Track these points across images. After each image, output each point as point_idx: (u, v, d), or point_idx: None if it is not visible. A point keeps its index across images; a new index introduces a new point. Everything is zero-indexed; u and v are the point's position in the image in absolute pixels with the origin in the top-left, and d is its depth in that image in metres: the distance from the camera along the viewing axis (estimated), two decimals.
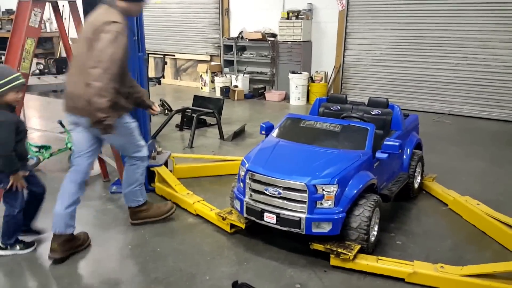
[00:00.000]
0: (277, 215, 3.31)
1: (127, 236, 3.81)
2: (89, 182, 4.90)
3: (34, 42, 3.69)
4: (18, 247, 3.50)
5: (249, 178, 3.46)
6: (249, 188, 3.47)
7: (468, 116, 8.40)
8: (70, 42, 5.54)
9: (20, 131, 3.25)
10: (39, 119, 7.99)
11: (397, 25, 8.88)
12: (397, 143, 3.59)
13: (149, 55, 10.07)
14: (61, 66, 6.93)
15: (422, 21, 8.60)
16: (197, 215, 4.12)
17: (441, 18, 8.38)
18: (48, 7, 4.09)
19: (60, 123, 5.66)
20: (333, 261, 3.30)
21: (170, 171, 4.86)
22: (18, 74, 3.22)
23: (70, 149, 5.45)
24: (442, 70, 8.59)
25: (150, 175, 4.70)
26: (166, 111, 8.24)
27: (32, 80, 4.40)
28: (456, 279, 3.01)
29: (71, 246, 3.47)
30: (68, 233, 3.44)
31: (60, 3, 4.16)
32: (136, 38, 4.34)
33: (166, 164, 4.87)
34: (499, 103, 8.16)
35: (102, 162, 4.94)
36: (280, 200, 3.32)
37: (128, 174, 3.80)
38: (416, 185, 4.59)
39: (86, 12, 4.10)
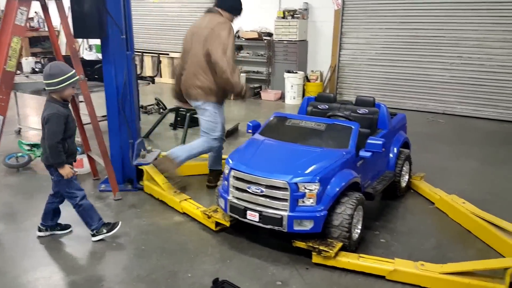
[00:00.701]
0: (260, 213, 3.33)
1: (113, 235, 3.81)
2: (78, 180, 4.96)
3: (20, 41, 3.71)
4: (105, 230, 3.68)
5: (233, 176, 3.48)
6: (233, 186, 3.49)
7: (463, 116, 8.40)
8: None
9: (70, 126, 3.46)
10: (33, 117, 8.03)
11: (392, 25, 8.89)
12: (380, 142, 3.59)
13: (146, 54, 10.13)
14: None
15: (417, 21, 8.61)
16: (184, 213, 4.15)
17: (436, 18, 8.39)
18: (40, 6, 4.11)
19: None
20: (315, 259, 3.31)
21: None
22: (74, 71, 3.46)
23: None
24: (437, 69, 8.59)
25: (139, 174, 4.72)
26: (161, 110, 8.28)
27: (19, 79, 4.43)
28: (436, 277, 3.02)
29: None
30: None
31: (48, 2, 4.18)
32: (124, 36, 4.36)
33: None
34: (493, 103, 8.16)
35: (92, 160, 4.96)
36: (262, 198, 3.34)
37: (197, 143, 4.63)
38: (404, 184, 4.60)
39: (73, 11, 4.13)
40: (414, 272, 3.08)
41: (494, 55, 7.99)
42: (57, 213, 3.79)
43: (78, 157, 5.11)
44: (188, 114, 6.68)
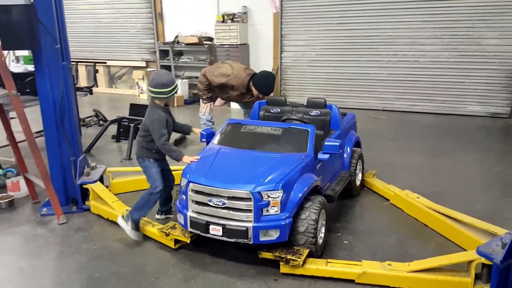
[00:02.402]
0: (223, 226, 3.17)
1: (61, 263, 3.49)
2: (16, 205, 4.52)
3: None
4: (131, 225, 3.75)
5: (191, 189, 3.29)
6: (192, 200, 3.30)
7: (401, 111, 8.73)
8: None
9: (169, 125, 3.81)
10: None
11: (329, 26, 9.07)
12: (337, 143, 3.58)
13: (80, 63, 9.56)
14: None
15: (353, 21, 8.85)
16: None
17: (371, 18, 8.66)
18: None
19: None
20: (283, 269, 3.21)
21: (107, 187, 4.56)
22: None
23: None
24: (375, 68, 8.88)
25: (84, 193, 4.38)
26: (101, 122, 7.84)
27: None
28: (404, 276, 3.03)
29: None
30: None
31: None
32: (58, 46, 4.02)
33: (101, 179, 4.56)
34: (429, 97, 8.56)
35: (29, 182, 4.53)
36: (225, 211, 3.18)
37: None
38: (358, 183, 4.64)
39: (0, 21, 3.72)
40: (382, 273, 3.07)
41: (426, 52, 8.38)
42: (169, 199, 4.10)
43: (14, 179, 4.70)
44: (132, 125, 6.35)
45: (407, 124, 7.87)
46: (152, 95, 3.72)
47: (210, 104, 5.78)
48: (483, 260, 2.84)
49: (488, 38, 7.85)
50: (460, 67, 8.17)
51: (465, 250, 3.40)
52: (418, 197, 4.20)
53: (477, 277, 2.93)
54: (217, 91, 5.65)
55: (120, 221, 3.76)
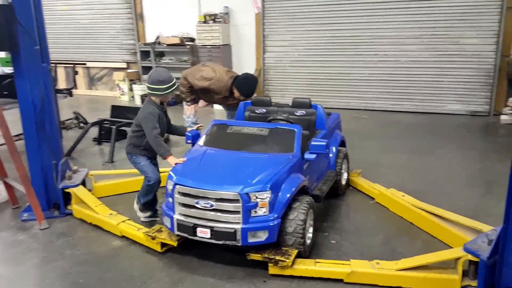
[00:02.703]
0: (211, 228, 3.13)
1: (44, 270, 3.40)
2: None
3: None
4: (144, 211, 4.02)
5: (178, 192, 3.24)
6: (179, 203, 3.25)
7: (383, 111, 8.81)
8: None
9: (161, 122, 3.82)
10: None
11: (312, 26, 9.09)
12: (324, 143, 3.58)
13: (59, 65, 9.37)
14: None
15: (335, 22, 8.90)
16: (123, 236, 3.80)
17: (353, 18, 8.73)
18: None
19: None
20: (272, 270, 3.19)
21: (90, 190, 4.47)
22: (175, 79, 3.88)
23: None
24: (357, 68, 8.94)
25: (66, 197, 4.27)
26: (81, 124, 7.69)
27: None
28: (393, 274, 3.04)
29: None
30: None
31: None
32: (38, 47, 3.92)
33: (84, 183, 4.46)
34: (409, 96, 8.67)
35: (9, 187, 4.41)
36: (213, 213, 3.14)
37: None
38: (344, 182, 4.66)
39: None
40: (371, 272, 3.08)
41: (407, 52, 8.48)
42: (154, 202, 4.01)
43: None
44: (114, 127, 6.24)
45: (389, 123, 7.95)
46: (149, 91, 3.82)
47: (195, 106, 5.71)
48: (470, 257, 2.87)
49: (467, 37, 7.99)
50: (440, 66, 8.29)
51: (451, 247, 3.43)
52: (403, 196, 4.23)
53: (464, 274, 2.96)
54: (199, 93, 5.60)
55: (135, 203, 4.06)
